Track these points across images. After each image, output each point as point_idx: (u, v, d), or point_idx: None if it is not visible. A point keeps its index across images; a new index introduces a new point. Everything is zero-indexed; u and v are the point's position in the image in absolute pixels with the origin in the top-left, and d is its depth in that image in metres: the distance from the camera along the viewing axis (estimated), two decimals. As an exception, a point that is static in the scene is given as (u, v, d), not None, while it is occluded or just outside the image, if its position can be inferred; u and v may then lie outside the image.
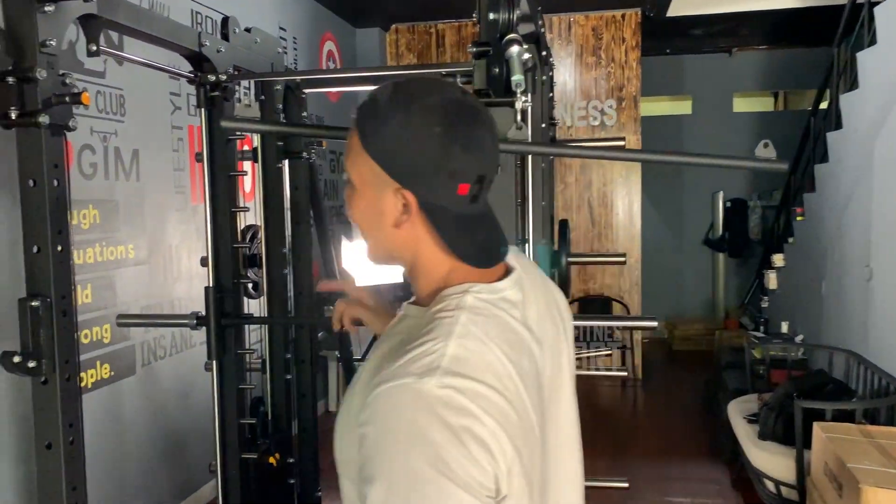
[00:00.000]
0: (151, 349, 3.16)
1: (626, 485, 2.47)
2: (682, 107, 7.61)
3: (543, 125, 2.04)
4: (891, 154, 3.52)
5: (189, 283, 3.40)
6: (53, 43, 1.41)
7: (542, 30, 1.67)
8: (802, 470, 2.96)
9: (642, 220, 5.98)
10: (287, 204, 2.37)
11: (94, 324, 2.77)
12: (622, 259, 2.33)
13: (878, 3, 3.89)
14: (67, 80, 1.44)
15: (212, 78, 2.03)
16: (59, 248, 1.45)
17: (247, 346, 2.22)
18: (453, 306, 0.84)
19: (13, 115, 1.36)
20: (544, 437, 0.89)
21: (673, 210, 7.51)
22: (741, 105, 7.58)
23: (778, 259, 5.46)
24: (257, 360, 2.35)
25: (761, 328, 5.63)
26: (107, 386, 2.86)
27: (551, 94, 2.38)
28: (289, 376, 2.37)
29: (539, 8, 1.85)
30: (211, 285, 2.08)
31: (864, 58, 4.00)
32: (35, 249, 1.42)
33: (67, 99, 1.42)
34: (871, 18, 4.08)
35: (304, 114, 2.41)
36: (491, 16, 1.31)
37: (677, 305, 7.42)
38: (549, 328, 0.95)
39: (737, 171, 7.22)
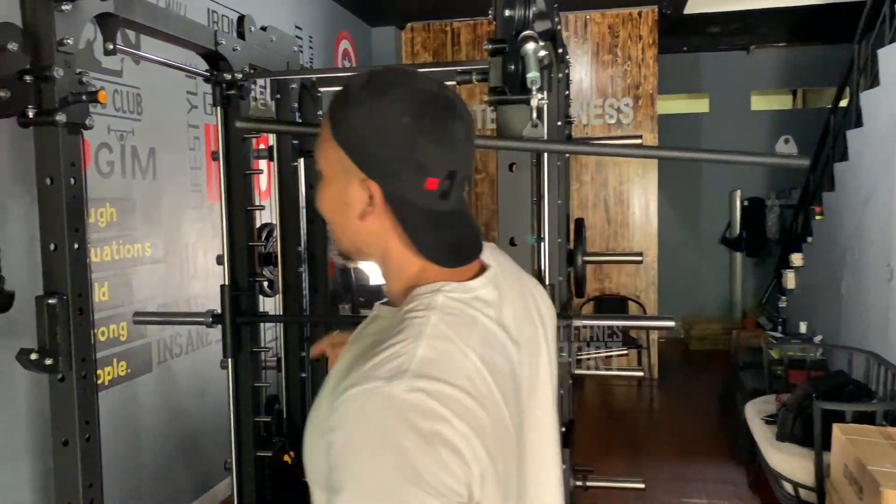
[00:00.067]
0: (167, 347, 3.18)
1: (642, 486, 2.45)
2: (699, 105, 7.55)
3: (559, 123, 2.02)
4: (912, 152, 3.47)
5: (205, 282, 3.41)
6: (70, 42, 1.42)
7: (559, 27, 1.65)
8: (821, 472, 2.92)
9: (659, 218, 5.94)
10: (302, 202, 2.37)
11: (111, 321, 2.79)
12: (639, 258, 2.30)
13: (899, -1, 3.83)
14: (84, 79, 1.45)
15: (227, 76, 2.03)
16: (76, 245, 1.45)
17: (262, 345, 2.23)
18: (424, 306, 0.81)
19: (31, 114, 1.37)
20: (522, 440, 0.86)
21: (690, 209, 7.46)
22: (759, 103, 7.51)
23: (796, 258, 5.40)
24: (272, 359, 2.36)
25: (779, 328, 5.58)
26: (123, 383, 2.88)
27: (567, 92, 2.37)
28: (304, 374, 2.38)
29: (555, 5, 1.84)
30: (226, 283, 2.09)
31: (886, 54, 3.95)
32: (52, 247, 1.43)
33: (84, 97, 1.42)
34: (893, 15, 4.02)
35: (320, 112, 2.41)
36: (507, 12, 1.30)
37: (694, 305, 7.36)
38: (526, 328, 0.92)
39: (754, 170, 7.16)
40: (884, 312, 3.66)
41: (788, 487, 3.08)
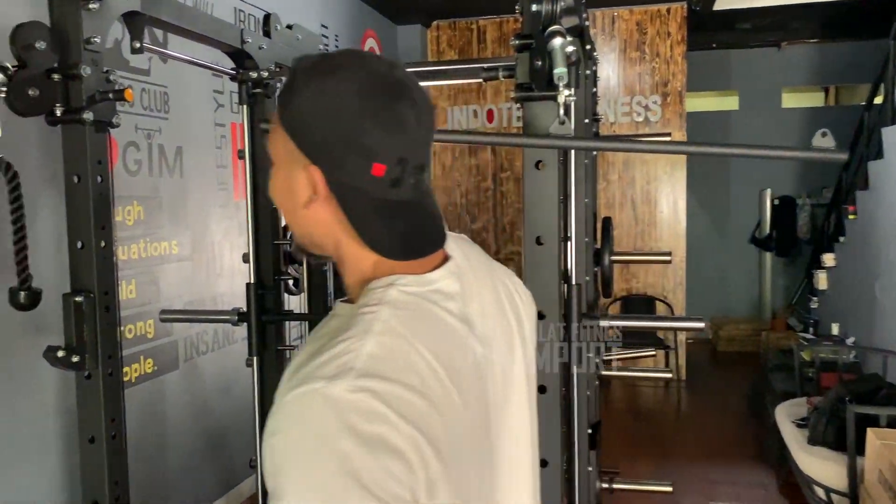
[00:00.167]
0: (194, 344, 3.20)
1: (669, 489, 2.41)
2: (729, 102, 7.45)
3: (587, 120, 1.99)
4: (951, 150, 3.38)
5: (231, 280, 3.43)
6: (98, 40, 1.42)
7: (587, 23, 1.63)
8: (855, 477, 2.86)
9: (687, 217, 5.86)
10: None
11: (138, 319, 2.81)
12: (667, 258, 2.27)
13: (937, -7, 3.74)
14: (111, 77, 1.45)
15: (253, 75, 2.03)
16: (103, 243, 1.46)
17: (287, 343, 2.23)
18: (375, 301, 0.76)
19: (58, 112, 1.38)
20: (493, 442, 0.83)
21: (718, 208, 7.36)
22: (790, 100, 7.38)
23: (828, 259, 5.30)
24: (297, 357, 2.35)
25: (810, 330, 5.49)
26: (150, 380, 2.90)
27: (595, 89, 2.34)
28: (328, 373, 2.37)
29: (583, 1, 1.81)
30: (252, 282, 2.09)
31: (923, 50, 3.85)
32: (79, 245, 1.44)
33: (111, 96, 1.43)
34: (930, 9, 3.92)
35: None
36: (534, 7, 1.28)
37: (722, 305, 7.27)
38: (497, 323, 0.88)
39: (785, 168, 7.05)
40: (920, 314, 3.57)
41: (820, 492, 3.02)
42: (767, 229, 7.19)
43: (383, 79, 0.78)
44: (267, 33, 2.12)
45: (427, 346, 0.74)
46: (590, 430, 1.91)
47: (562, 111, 1.21)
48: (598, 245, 2.26)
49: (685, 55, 5.69)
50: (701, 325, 1.96)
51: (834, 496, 2.97)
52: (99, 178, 1.44)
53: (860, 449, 2.81)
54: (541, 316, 1.36)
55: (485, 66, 1.61)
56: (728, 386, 5.71)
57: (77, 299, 1.41)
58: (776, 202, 7.15)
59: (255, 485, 2.21)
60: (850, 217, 5.03)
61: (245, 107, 2.06)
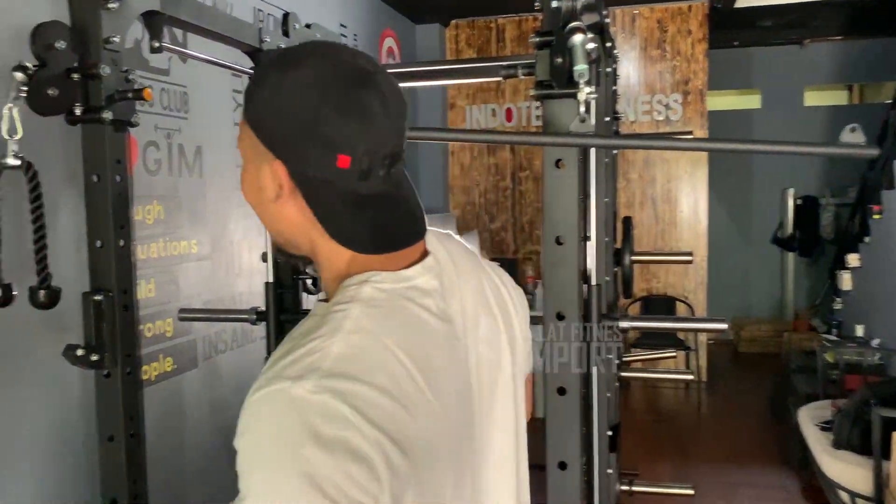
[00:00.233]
0: (213, 343, 3.21)
1: (691, 492, 2.38)
2: (751, 101, 7.37)
3: (607, 119, 1.97)
4: (980, 148, 3.31)
5: (250, 279, 3.44)
6: (117, 39, 1.42)
7: (607, 20, 1.61)
8: (881, 481, 2.81)
9: (708, 217, 5.81)
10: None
11: (158, 318, 2.83)
12: (689, 258, 2.23)
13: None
14: (130, 77, 1.46)
15: (272, 74, 2.03)
16: (122, 242, 1.46)
17: (305, 342, 2.22)
18: (347, 299, 0.74)
19: (78, 112, 1.38)
20: (480, 439, 0.81)
21: (740, 207, 7.29)
22: (813, 99, 7.29)
23: (853, 259, 5.23)
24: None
25: (834, 331, 5.41)
26: (169, 379, 2.91)
27: (615, 88, 2.31)
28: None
29: (603, -3, 1.79)
30: (271, 281, 2.09)
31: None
32: (98, 244, 1.44)
33: (130, 95, 1.43)
34: (959, 5, 3.85)
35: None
36: (554, 4, 1.26)
37: (744, 306, 7.19)
38: (481, 320, 0.85)
39: (808, 168, 6.97)
40: (947, 316, 3.51)
41: (845, 497, 2.97)
42: (790, 229, 7.10)
43: (345, 68, 0.75)
44: (286, 32, 2.11)
45: (400, 344, 0.72)
46: (610, 432, 1.89)
47: (582, 109, 1.19)
48: (618, 245, 2.24)
49: (706, 53, 5.63)
50: (723, 326, 1.92)
51: (859, 501, 2.92)
52: (118, 178, 1.44)
53: (886, 453, 2.76)
54: (560, 317, 1.35)
55: (504, 63, 1.60)
56: (750, 387, 5.64)
57: (96, 298, 1.41)
58: (799, 202, 7.06)
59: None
60: (875, 217, 4.96)
61: (264, 106, 2.06)
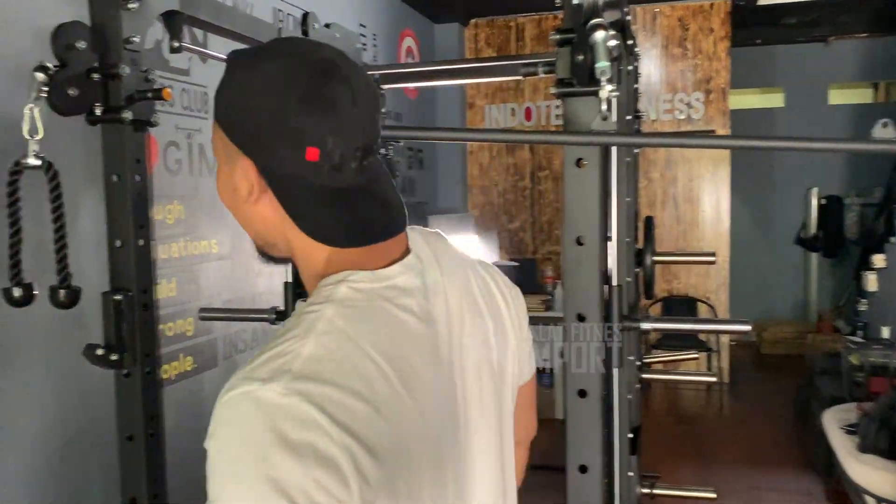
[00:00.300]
0: (232, 342, 3.23)
1: (713, 495, 2.34)
2: (774, 99, 7.28)
3: (629, 117, 1.95)
4: None
5: (269, 279, 3.45)
6: (137, 39, 1.42)
7: (628, 17, 1.59)
8: (907, 486, 2.76)
9: (731, 217, 5.74)
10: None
11: (179, 317, 2.84)
12: (711, 258, 2.20)
13: None
14: (150, 77, 1.46)
15: (291, 74, 2.03)
16: (141, 242, 1.46)
17: (323, 342, 2.22)
18: (322, 299, 0.73)
19: (98, 112, 1.38)
20: (468, 440, 0.79)
21: (763, 207, 7.20)
22: (837, 97, 7.19)
23: (879, 259, 5.14)
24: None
25: (858, 333, 5.32)
26: (189, 378, 2.93)
27: (636, 86, 2.29)
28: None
29: (625, -5, 1.77)
30: (290, 281, 2.09)
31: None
32: (118, 244, 1.44)
33: (149, 95, 1.43)
34: None
35: (383, 110, 2.38)
36: (575, 0, 1.24)
37: (767, 307, 7.11)
38: (467, 320, 0.83)
39: (832, 167, 6.88)
40: (977, 318, 3.43)
41: (871, 502, 2.92)
42: (814, 229, 7.01)
43: (309, 61, 0.74)
44: (305, 32, 2.11)
45: (375, 345, 0.70)
46: (630, 435, 1.87)
47: (604, 107, 1.17)
48: (640, 245, 2.21)
49: (729, 51, 5.57)
50: (747, 327, 1.88)
51: (885, 506, 2.87)
52: (137, 178, 1.44)
53: (914, 457, 2.71)
54: (581, 318, 1.33)
55: (524, 61, 1.58)
56: (773, 389, 5.58)
57: (116, 298, 1.41)
58: (823, 201, 6.97)
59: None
60: (902, 216, 4.88)
61: (283, 106, 2.06)
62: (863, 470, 2.97)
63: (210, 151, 3.08)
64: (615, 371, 1.49)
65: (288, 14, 3.66)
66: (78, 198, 2.16)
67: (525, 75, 1.59)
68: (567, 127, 1.30)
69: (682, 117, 5.65)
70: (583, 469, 1.37)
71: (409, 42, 5.46)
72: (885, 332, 4.51)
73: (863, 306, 5.54)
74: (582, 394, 1.35)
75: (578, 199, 1.31)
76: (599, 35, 1.15)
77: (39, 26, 1.50)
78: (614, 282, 1.48)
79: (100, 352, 1.39)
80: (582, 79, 1.20)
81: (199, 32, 2.73)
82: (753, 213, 7.19)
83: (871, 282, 5.24)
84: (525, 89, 5.89)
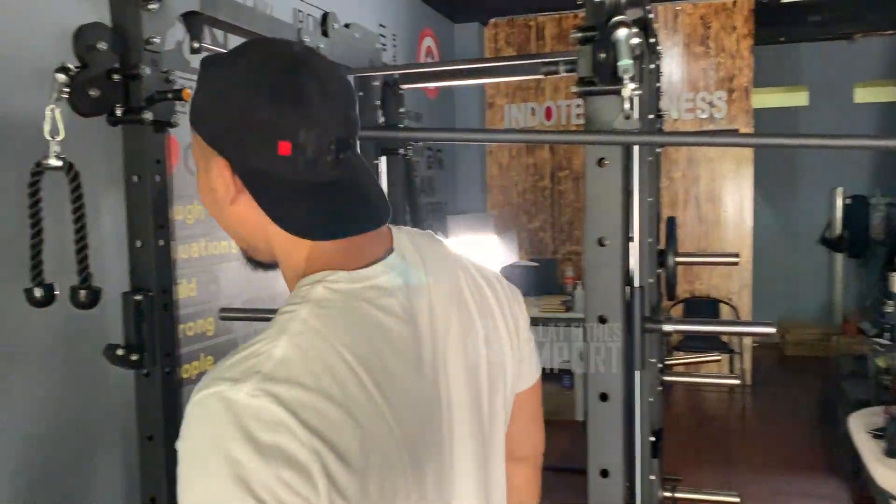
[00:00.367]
0: (253, 342, 3.24)
1: (736, 499, 2.31)
2: (798, 98, 7.19)
3: (651, 116, 1.92)
4: None
5: (289, 279, 3.45)
6: (157, 40, 1.43)
7: (651, 15, 1.56)
8: (936, 492, 2.70)
9: (754, 217, 5.67)
10: (383, 200, 2.35)
11: (199, 317, 2.85)
12: (735, 259, 2.17)
13: None
14: (170, 77, 1.46)
15: (311, 74, 2.03)
16: (161, 242, 1.47)
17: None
18: (298, 299, 0.73)
19: (119, 112, 1.39)
20: (452, 442, 0.77)
21: (787, 207, 7.11)
22: (863, 95, 7.08)
23: (905, 260, 5.06)
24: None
25: (886, 335, 5.23)
26: (210, 377, 2.94)
27: (658, 84, 2.26)
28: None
29: (647, -8, 1.74)
30: (308, 281, 2.09)
31: None
32: (138, 244, 1.45)
33: (170, 95, 1.43)
34: None
35: (402, 110, 2.38)
36: (597, -2, 1.22)
37: (790, 308, 7.02)
38: (454, 321, 0.81)
39: (857, 166, 6.79)
40: None
41: (898, 507, 2.87)
42: (838, 229, 6.91)
43: (277, 56, 0.74)
44: (325, 32, 2.11)
45: (350, 347, 0.69)
46: (652, 438, 1.84)
47: (627, 105, 1.15)
48: (662, 246, 2.18)
49: (752, 49, 5.51)
50: (771, 330, 1.85)
51: (913, 512, 2.81)
52: (157, 178, 1.45)
53: (943, 463, 2.65)
54: (602, 320, 1.31)
55: (544, 60, 1.57)
56: (797, 392, 5.50)
57: (136, 298, 1.42)
58: (848, 201, 6.87)
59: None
60: (930, 217, 4.79)
61: (302, 106, 2.06)
62: (890, 475, 2.91)
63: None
64: (637, 374, 1.47)
65: (308, 14, 3.67)
66: (98, 198, 2.18)
67: (546, 74, 1.58)
68: (588, 126, 1.28)
69: (705, 116, 5.59)
70: (604, 473, 1.35)
71: (428, 42, 5.45)
72: (913, 335, 4.43)
73: (889, 308, 5.44)
74: (603, 397, 1.33)
75: (600, 199, 1.29)
76: (622, 33, 1.13)
77: (60, 27, 1.50)
78: (636, 283, 1.46)
79: (120, 352, 1.40)
80: (604, 77, 1.19)
81: (219, 33, 2.74)
82: (777, 213, 7.10)
83: (898, 283, 5.15)
84: (545, 88, 5.86)
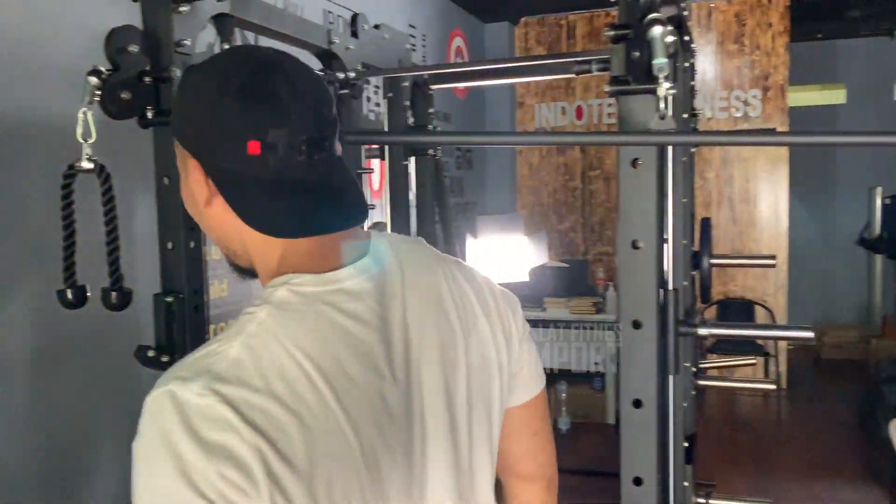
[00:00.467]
0: (283, 343, 3.25)
1: (772, 507, 2.26)
2: (835, 96, 7.03)
3: (685, 115, 1.89)
4: None
5: (319, 279, 3.47)
6: (188, 43, 1.43)
7: (685, 12, 1.53)
8: (982, 502, 2.62)
9: (789, 217, 5.56)
10: (412, 201, 2.34)
11: (230, 317, 2.87)
12: (772, 261, 2.12)
13: None
14: (200, 79, 1.46)
15: (340, 76, 2.02)
16: (192, 244, 1.47)
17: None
18: (260, 301, 0.73)
19: (149, 115, 1.39)
20: (418, 463, 0.76)
21: (823, 207, 6.97)
22: (904, 92, 6.91)
23: (948, 262, 4.92)
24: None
25: (927, 338, 5.10)
26: (241, 377, 2.96)
27: (692, 83, 2.22)
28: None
29: (682, -11, 1.71)
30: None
31: None
32: (169, 246, 1.45)
33: (200, 97, 1.43)
34: None
35: (431, 110, 2.37)
36: (631, -5, 1.20)
37: (827, 310, 6.88)
38: (430, 330, 0.79)
39: (897, 165, 6.64)
40: None
41: (941, 517, 2.78)
42: (877, 230, 6.75)
43: (246, 60, 0.75)
44: (354, 33, 2.10)
45: (305, 350, 0.69)
46: (686, 444, 1.81)
47: (662, 105, 1.12)
48: (696, 247, 2.14)
49: (787, 46, 5.40)
50: (809, 334, 1.80)
51: (957, 522, 2.73)
52: (188, 180, 1.45)
53: None
54: (637, 325, 1.28)
55: (577, 59, 1.54)
56: (834, 396, 5.38)
57: (167, 300, 1.42)
58: (887, 201, 6.71)
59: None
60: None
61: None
62: (933, 483, 2.84)
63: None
64: (671, 378, 1.44)
65: (338, 16, 3.67)
66: (130, 200, 2.20)
67: (578, 73, 1.55)
68: (622, 126, 1.25)
69: (739, 115, 5.50)
70: (637, 481, 1.32)
71: (458, 42, 5.44)
72: (956, 338, 4.32)
73: (931, 310, 5.32)
74: (637, 404, 1.30)
75: (634, 200, 1.27)
76: (657, 30, 1.11)
77: (92, 31, 1.52)
78: (670, 286, 1.43)
79: (151, 353, 1.40)
80: (638, 76, 1.16)
81: (250, 35, 2.76)
82: (813, 213, 6.96)
83: (940, 285, 5.02)
84: (576, 87, 5.81)
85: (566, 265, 5.20)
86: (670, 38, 1.14)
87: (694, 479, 2.19)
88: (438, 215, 2.48)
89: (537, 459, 1.01)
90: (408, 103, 2.28)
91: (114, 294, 1.31)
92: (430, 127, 2.32)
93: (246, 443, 0.64)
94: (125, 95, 1.35)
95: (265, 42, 2.23)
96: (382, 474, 0.73)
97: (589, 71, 1.53)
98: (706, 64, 5.53)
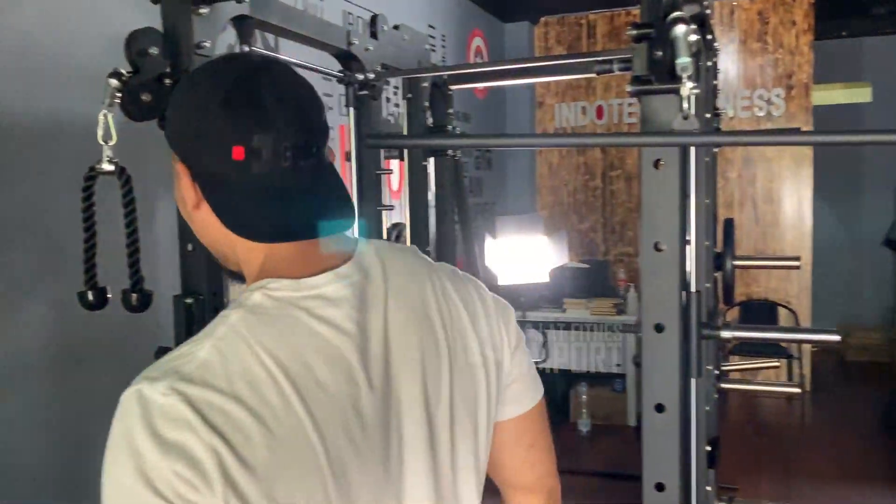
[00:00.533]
0: (303, 343, 3.26)
1: (796, 512, 2.23)
2: (860, 94, 6.92)
3: (708, 115, 1.86)
4: None
5: (338, 280, 3.47)
6: (208, 44, 1.43)
7: (708, 10, 1.51)
8: None
9: (813, 218, 5.49)
10: (431, 202, 2.34)
11: (250, 318, 2.88)
12: (796, 262, 2.09)
13: None
14: (219, 81, 1.47)
15: (360, 77, 2.02)
16: (211, 246, 1.47)
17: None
18: (235, 305, 0.74)
19: (170, 116, 1.40)
20: (395, 474, 0.75)
21: (848, 207, 6.87)
22: (932, 91, 6.79)
23: (977, 263, 4.83)
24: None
25: (955, 341, 5.01)
26: (261, 378, 2.96)
27: (715, 82, 2.19)
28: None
29: (704, -13, 1.69)
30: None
31: None
32: (189, 248, 1.45)
33: (219, 99, 1.44)
34: None
35: (451, 111, 2.36)
36: (653, -6, 1.18)
37: (852, 312, 6.77)
38: (412, 340, 0.79)
39: (925, 164, 6.52)
40: None
41: (971, 524, 2.73)
42: (904, 230, 6.65)
43: (235, 65, 0.77)
44: (374, 34, 2.10)
45: (273, 353, 0.70)
46: (708, 448, 1.78)
47: (685, 105, 1.10)
48: (719, 249, 2.12)
49: (811, 45, 5.33)
50: (835, 338, 1.77)
51: None
52: (208, 182, 1.45)
53: None
54: (659, 328, 1.27)
55: (598, 59, 1.52)
56: (859, 399, 5.31)
57: (187, 301, 1.43)
58: (915, 201, 6.61)
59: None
60: None
61: (352, 109, 2.06)
62: (962, 489, 2.78)
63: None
64: (693, 382, 1.42)
65: (358, 17, 3.68)
66: (150, 202, 2.21)
67: (599, 73, 1.54)
68: (644, 126, 1.24)
69: (762, 114, 5.43)
70: (660, 487, 1.30)
71: (477, 42, 5.42)
72: None
73: (958, 312, 5.22)
74: (659, 408, 1.29)
75: (656, 201, 1.25)
76: (680, 29, 1.09)
77: (112, 33, 1.52)
78: (693, 288, 1.41)
79: (171, 355, 1.40)
80: (661, 76, 1.14)
81: (269, 37, 2.76)
82: (838, 214, 6.87)
83: (969, 287, 4.93)
84: (596, 87, 5.77)
85: (586, 266, 5.17)
86: (693, 37, 1.12)
87: (717, 484, 2.16)
88: (458, 216, 2.47)
89: (535, 471, 0.99)
90: (427, 104, 2.28)
91: (134, 296, 1.31)
92: (450, 127, 2.31)
93: (203, 442, 0.65)
94: (145, 97, 1.36)
95: (285, 43, 2.24)
96: (350, 481, 0.72)
97: (610, 71, 1.51)
98: (729, 63, 5.47)
